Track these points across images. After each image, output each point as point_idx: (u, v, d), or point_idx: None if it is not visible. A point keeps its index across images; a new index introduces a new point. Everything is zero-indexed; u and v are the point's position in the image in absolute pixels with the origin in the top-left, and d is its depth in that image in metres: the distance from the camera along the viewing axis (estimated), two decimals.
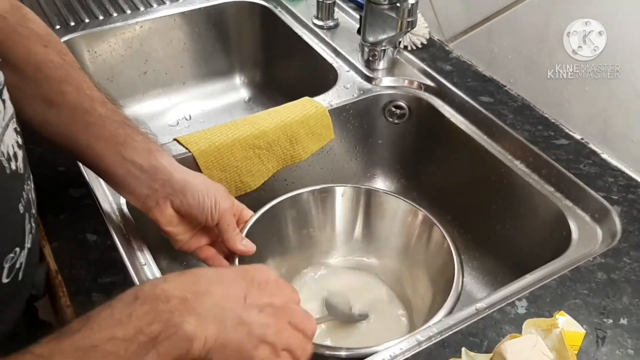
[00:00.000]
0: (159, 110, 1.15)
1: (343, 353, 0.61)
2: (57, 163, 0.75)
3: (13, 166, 0.51)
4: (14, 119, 0.53)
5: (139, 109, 1.13)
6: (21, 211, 0.52)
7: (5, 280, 0.50)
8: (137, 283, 0.62)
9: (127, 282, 0.62)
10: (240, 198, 0.85)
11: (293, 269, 0.84)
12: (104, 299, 0.58)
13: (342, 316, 0.79)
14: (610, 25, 0.71)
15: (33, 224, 0.55)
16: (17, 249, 0.51)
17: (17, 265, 0.51)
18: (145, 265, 0.65)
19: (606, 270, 0.64)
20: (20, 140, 0.53)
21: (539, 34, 0.83)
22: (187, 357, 0.44)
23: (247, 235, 0.75)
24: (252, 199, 0.81)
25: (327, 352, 0.62)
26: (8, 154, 0.50)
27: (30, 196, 0.54)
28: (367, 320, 0.80)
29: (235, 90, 1.21)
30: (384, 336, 0.77)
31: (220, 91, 1.20)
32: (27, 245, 0.53)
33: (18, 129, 0.53)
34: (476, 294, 0.87)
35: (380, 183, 1.01)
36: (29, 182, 0.55)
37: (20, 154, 0.53)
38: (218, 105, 1.18)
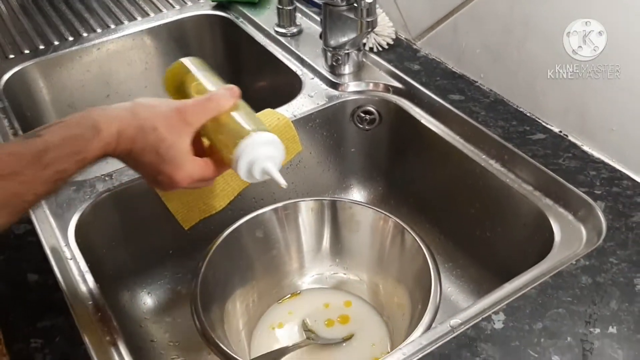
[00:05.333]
0: None
1: None
2: None
3: None
4: None
5: None
6: None
7: None
8: (80, 326, 0.57)
9: (70, 324, 0.57)
10: (205, 220, 0.80)
11: (264, 294, 0.79)
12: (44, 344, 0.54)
13: (322, 340, 0.74)
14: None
15: None
16: None
17: None
18: (91, 303, 0.60)
19: (591, 274, 0.59)
20: None
21: (505, 24, 0.78)
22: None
23: (210, 263, 0.71)
24: (218, 221, 0.76)
25: None
26: None
27: None
28: (348, 342, 0.75)
29: None
30: (366, 358, 0.72)
31: None
32: None
33: None
34: (461, 304, 0.82)
35: (357, 193, 0.96)
36: None
37: None
38: None
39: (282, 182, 0.57)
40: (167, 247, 0.83)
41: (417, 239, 0.70)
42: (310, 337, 0.75)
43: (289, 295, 0.81)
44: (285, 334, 0.77)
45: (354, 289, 0.80)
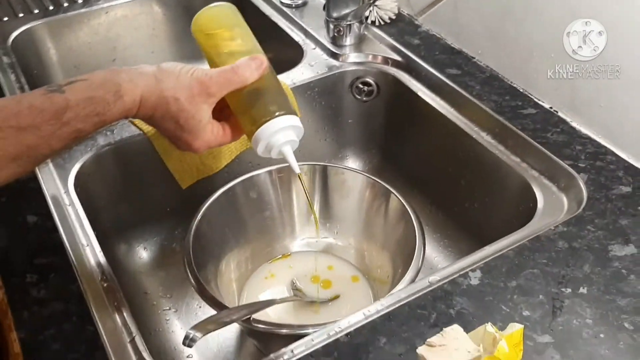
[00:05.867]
0: None
1: (284, 331, 0.58)
2: None
3: None
4: None
5: None
6: None
7: None
8: (76, 264, 0.60)
9: (66, 263, 0.60)
10: (201, 181, 0.83)
11: (256, 253, 0.82)
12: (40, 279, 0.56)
13: (309, 298, 0.76)
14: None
15: None
16: None
17: None
18: (88, 247, 0.63)
19: (568, 239, 0.61)
20: None
21: (505, 3, 0.80)
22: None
23: (204, 220, 0.73)
24: (214, 182, 0.79)
25: (270, 330, 0.59)
26: None
27: None
28: (334, 302, 0.77)
29: None
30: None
31: None
32: None
33: None
34: None
35: (352, 164, 0.98)
36: None
37: None
38: None
39: (297, 168, 0.59)
40: (164, 205, 0.86)
41: (405, 204, 0.72)
42: (298, 296, 0.77)
43: (280, 256, 0.84)
44: (274, 292, 0.79)
45: (342, 253, 0.82)
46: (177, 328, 0.78)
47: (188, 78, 0.55)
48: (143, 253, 0.85)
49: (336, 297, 0.77)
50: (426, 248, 0.82)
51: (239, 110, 0.58)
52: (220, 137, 0.57)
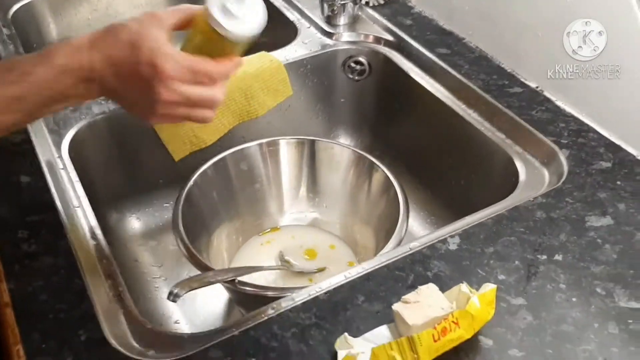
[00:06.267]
0: None
1: (269, 293, 0.60)
2: None
3: None
4: None
5: None
6: None
7: None
8: (66, 222, 0.62)
9: (56, 221, 0.61)
10: (194, 155, 0.84)
11: (247, 226, 0.83)
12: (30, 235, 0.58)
13: (296, 268, 0.78)
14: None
15: None
16: None
17: None
18: (79, 208, 0.64)
19: (546, 210, 0.63)
20: None
21: None
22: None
23: (195, 187, 0.75)
24: (206, 157, 0.80)
25: (254, 292, 0.61)
26: None
27: None
28: (321, 274, 0.79)
29: None
30: None
31: None
32: None
33: None
34: None
35: (343, 142, 1.00)
36: None
37: None
38: None
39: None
40: (157, 177, 0.88)
41: (390, 177, 0.74)
42: (285, 267, 0.79)
43: (269, 230, 0.85)
44: (262, 263, 0.81)
45: (330, 227, 0.84)
46: (166, 295, 0.80)
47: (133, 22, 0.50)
48: (135, 222, 0.87)
49: (323, 269, 0.79)
50: (412, 225, 0.85)
51: (196, 41, 0.52)
52: (189, 57, 0.50)
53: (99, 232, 0.62)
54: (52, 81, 0.48)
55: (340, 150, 0.81)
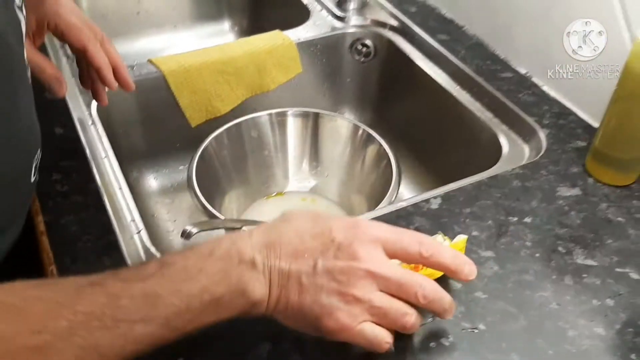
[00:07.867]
0: (148, 51, 1.22)
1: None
2: None
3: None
4: None
5: (130, 47, 1.21)
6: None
7: (32, 179, 0.53)
8: (96, 171, 0.70)
9: (86, 167, 0.69)
10: (209, 123, 0.92)
11: (255, 187, 0.91)
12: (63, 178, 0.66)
13: None
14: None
15: None
16: (39, 149, 0.55)
17: (38, 164, 0.55)
18: (106, 158, 0.73)
19: (522, 179, 0.70)
20: None
21: None
22: (249, 314, 0.45)
23: (210, 147, 0.82)
24: (221, 124, 0.87)
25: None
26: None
27: None
28: None
29: (223, 35, 1.28)
30: None
31: (209, 35, 1.27)
32: None
33: None
34: None
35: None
36: None
37: None
38: None
39: None
40: (174, 141, 0.95)
41: (386, 148, 0.81)
42: None
43: (275, 194, 0.93)
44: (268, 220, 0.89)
45: (331, 194, 0.91)
46: (179, 246, 0.88)
47: None
48: (153, 181, 0.95)
49: None
50: (403, 192, 0.92)
51: None
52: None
53: (122, 179, 0.70)
54: None
55: (342, 123, 0.88)
